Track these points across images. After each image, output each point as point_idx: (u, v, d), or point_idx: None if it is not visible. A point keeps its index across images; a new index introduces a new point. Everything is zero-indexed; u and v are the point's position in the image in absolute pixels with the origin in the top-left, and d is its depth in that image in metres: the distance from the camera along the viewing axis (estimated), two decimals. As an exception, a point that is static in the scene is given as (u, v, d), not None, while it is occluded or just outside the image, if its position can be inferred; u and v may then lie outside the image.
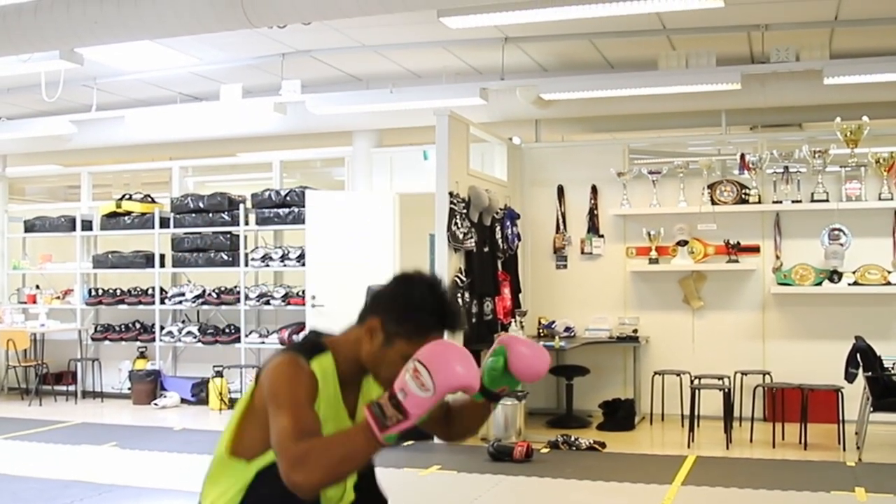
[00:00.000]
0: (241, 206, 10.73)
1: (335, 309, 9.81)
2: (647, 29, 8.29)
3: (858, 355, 7.57)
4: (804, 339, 9.13)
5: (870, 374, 7.49)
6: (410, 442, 7.01)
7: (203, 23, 6.41)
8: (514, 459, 7.29)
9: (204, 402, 10.58)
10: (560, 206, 9.92)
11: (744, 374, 8.96)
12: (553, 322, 9.43)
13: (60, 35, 6.69)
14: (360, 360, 2.49)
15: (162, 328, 11.07)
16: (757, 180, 9.15)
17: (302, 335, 2.58)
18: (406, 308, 2.43)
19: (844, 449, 7.67)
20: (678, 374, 9.11)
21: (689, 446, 7.99)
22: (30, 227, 11.99)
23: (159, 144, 11.44)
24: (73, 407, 10.76)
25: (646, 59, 8.98)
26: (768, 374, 8.92)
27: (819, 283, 8.91)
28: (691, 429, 8.14)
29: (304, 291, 10.18)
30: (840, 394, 7.79)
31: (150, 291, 11.21)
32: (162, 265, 11.18)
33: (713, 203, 9.25)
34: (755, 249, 9.28)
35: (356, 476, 2.54)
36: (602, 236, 9.77)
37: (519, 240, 9.42)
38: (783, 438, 8.07)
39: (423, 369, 2.20)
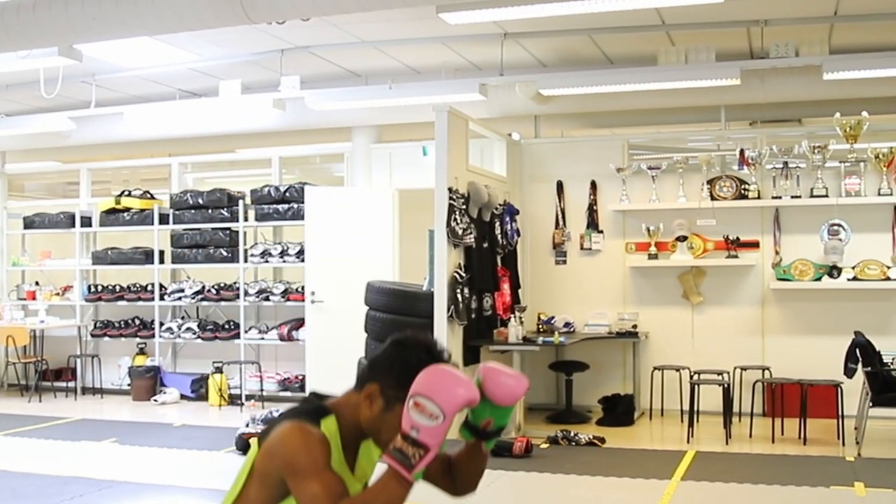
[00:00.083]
0: (241, 202, 10.73)
1: (334, 305, 9.83)
2: (647, 24, 8.28)
3: (858, 350, 7.57)
4: (803, 335, 9.13)
5: (869, 369, 7.50)
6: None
7: (201, 19, 6.40)
8: (513, 455, 7.29)
9: (203, 398, 10.59)
10: (559, 201, 9.92)
11: (743, 369, 8.96)
12: (552, 318, 9.43)
13: (59, 31, 6.68)
14: (360, 424, 2.51)
15: (161, 324, 11.08)
16: (756, 176, 9.15)
17: (301, 399, 2.59)
18: (404, 372, 2.42)
19: (844, 444, 7.68)
20: (678, 370, 9.11)
21: (688, 441, 8.00)
22: (29, 223, 11.98)
23: (158, 141, 11.44)
24: (73, 403, 10.77)
25: (645, 54, 8.97)
26: (768, 369, 8.92)
27: (818, 279, 8.92)
28: (691, 424, 8.15)
29: (303, 287, 10.18)
30: (839, 389, 7.79)
31: (149, 288, 11.21)
32: (161, 261, 11.18)
33: (712, 198, 9.25)
34: (754, 245, 9.28)
35: None
36: (601, 232, 9.77)
37: (518, 235, 9.41)
38: (782, 433, 8.08)
39: (424, 401, 2.25)
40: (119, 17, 6.39)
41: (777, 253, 9.15)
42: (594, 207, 9.80)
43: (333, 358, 9.60)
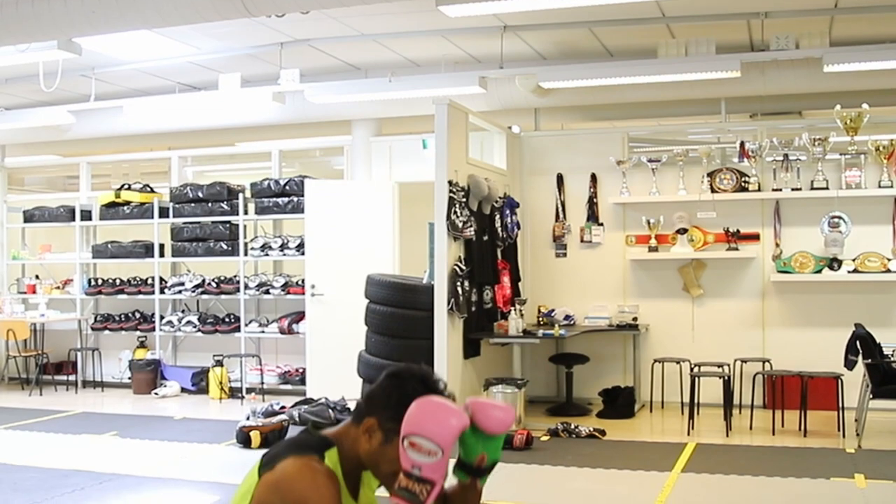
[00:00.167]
0: (241, 195, 10.73)
1: (334, 298, 9.83)
2: (647, 17, 8.27)
3: (858, 342, 7.58)
4: (804, 327, 9.14)
5: (869, 361, 7.50)
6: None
7: (201, 12, 6.40)
8: (514, 447, 7.30)
9: (204, 391, 10.60)
10: (559, 194, 9.91)
11: (743, 361, 8.97)
12: (553, 310, 9.43)
13: (58, 25, 6.67)
14: (359, 457, 2.52)
15: (162, 318, 11.08)
16: (756, 168, 9.14)
17: (300, 431, 2.59)
18: (401, 405, 2.43)
19: (844, 436, 7.69)
20: (678, 362, 9.11)
21: (688, 433, 8.00)
22: (29, 217, 11.99)
23: (158, 134, 11.43)
24: (74, 396, 10.78)
25: (645, 47, 8.96)
26: (768, 361, 8.93)
27: (819, 271, 8.91)
28: (691, 416, 8.15)
29: (303, 280, 10.19)
30: (840, 381, 7.80)
31: (149, 281, 11.22)
32: (161, 255, 11.18)
33: (713, 191, 9.24)
34: (755, 237, 9.28)
35: None
36: (601, 224, 9.76)
37: (518, 228, 9.41)
38: (783, 425, 8.09)
39: (419, 440, 2.28)
40: (118, 11, 6.39)
41: (777, 245, 9.15)
42: (594, 200, 9.80)
43: (334, 351, 9.63)
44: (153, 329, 11.15)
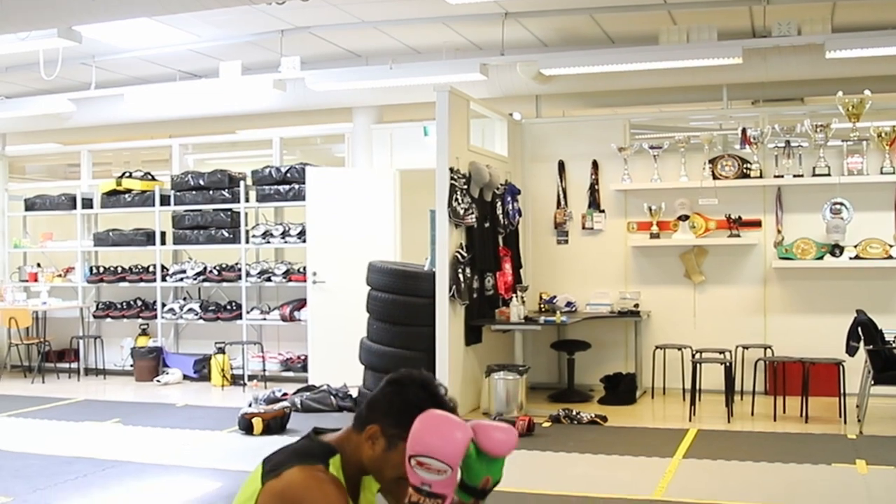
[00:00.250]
0: (242, 183, 10.72)
1: (336, 285, 9.84)
2: (648, 3, 8.26)
3: (860, 329, 7.58)
4: (805, 313, 9.14)
5: (871, 347, 7.50)
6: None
7: (201, 0, 6.38)
8: (515, 434, 7.29)
9: (206, 378, 10.61)
10: (561, 181, 9.90)
11: (745, 347, 8.98)
12: (554, 297, 9.43)
13: (58, 13, 6.66)
14: (361, 463, 2.52)
15: (163, 305, 11.09)
16: (758, 155, 9.13)
17: (302, 437, 2.59)
18: (403, 411, 2.44)
19: (845, 422, 7.69)
20: (679, 349, 9.12)
21: (690, 420, 8.01)
22: (30, 205, 11.99)
23: (159, 122, 11.42)
24: (76, 384, 10.80)
25: (646, 33, 8.94)
26: (769, 347, 8.94)
27: (820, 258, 8.91)
28: (692, 402, 8.16)
29: (305, 268, 10.19)
30: (841, 367, 7.80)
31: (151, 269, 11.23)
32: (163, 243, 11.18)
33: (714, 178, 9.23)
34: (756, 224, 9.27)
35: None
36: (603, 211, 9.76)
37: (520, 215, 9.41)
38: (784, 412, 8.09)
39: (427, 459, 2.28)
40: (118, -2, 6.37)
41: (779, 232, 9.14)
42: (596, 187, 9.79)
43: (335, 338, 9.64)
44: (155, 317, 11.16)
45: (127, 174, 11.44)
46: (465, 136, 8.46)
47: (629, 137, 9.67)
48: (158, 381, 10.65)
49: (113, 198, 11.43)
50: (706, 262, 9.43)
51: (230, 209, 10.79)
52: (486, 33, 9.08)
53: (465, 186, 8.27)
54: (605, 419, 7.98)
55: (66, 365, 11.47)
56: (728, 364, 8.25)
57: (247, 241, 10.66)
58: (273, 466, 2.47)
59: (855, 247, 8.85)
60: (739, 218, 9.21)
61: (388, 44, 9.52)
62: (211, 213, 10.86)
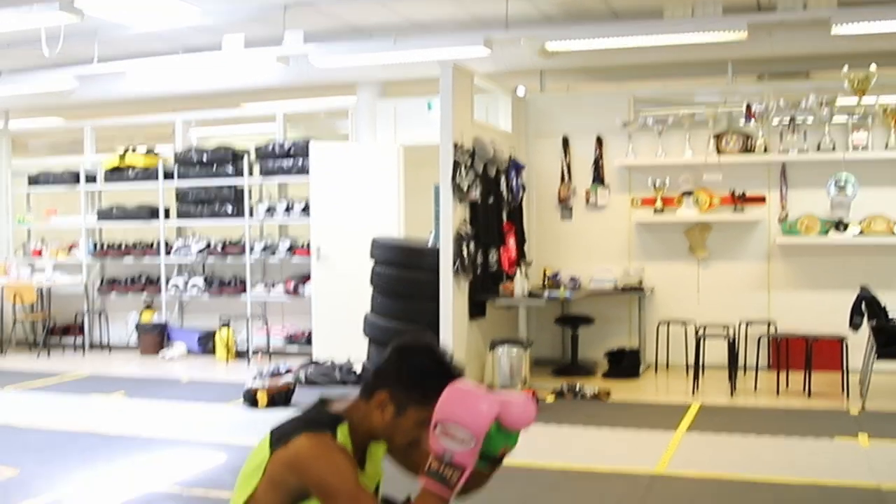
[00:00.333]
0: (245, 158, 10.72)
1: (340, 260, 9.85)
2: (653, -23, 8.21)
3: (863, 304, 7.58)
4: (809, 289, 9.14)
5: (874, 323, 7.51)
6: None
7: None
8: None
9: (210, 352, 10.65)
10: (565, 156, 9.89)
11: (748, 323, 8.99)
12: (558, 272, 9.43)
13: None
14: (370, 431, 2.56)
15: (168, 280, 11.12)
16: (763, 130, 9.11)
17: (310, 405, 2.61)
18: (411, 377, 2.50)
19: (848, 397, 7.71)
20: (683, 324, 9.14)
21: (693, 394, 8.03)
22: (33, 181, 12.00)
23: (162, 98, 11.39)
24: (81, 359, 10.84)
25: (651, 8, 8.88)
26: (773, 323, 8.95)
27: (825, 234, 8.91)
28: (696, 377, 8.18)
29: (308, 243, 10.20)
30: (844, 343, 7.81)
31: (154, 244, 11.24)
32: (167, 218, 11.19)
33: (719, 153, 9.22)
34: (761, 200, 9.26)
35: None
36: (607, 187, 9.75)
37: (524, 191, 9.40)
38: (787, 387, 8.11)
39: (454, 428, 2.32)
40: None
41: (783, 208, 9.14)
42: (600, 162, 9.77)
43: (339, 313, 9.66)
44: (159, 292, 11.19)
45: (131, 149, 11.43)
46: (469, 111, 8.44)
47: (634, 113, 9.64)
48: (163, 355, 10.69)
49: (116, 173, 11.44)
50: (710, 237, 9.43)
51: (234, 184, 10.79)
52: (491, 8, 9.02)
53: (469, 162, 8.26)
54: (608, 394, 8.00)
55: (71, 340, 11.51)
56: (731, 339, 8.26)
57: (251, 216, 10.67)
58: (281, 435, 2.49)
59: (859, 223, 8.84)
60: (744, 194, 9.21)
61: (391, 19, 9.47)
62: (214, 189, 10.86)
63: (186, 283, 11.00)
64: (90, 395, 8.35)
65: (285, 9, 9.01)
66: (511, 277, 8.69)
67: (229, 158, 10.79)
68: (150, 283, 11.32)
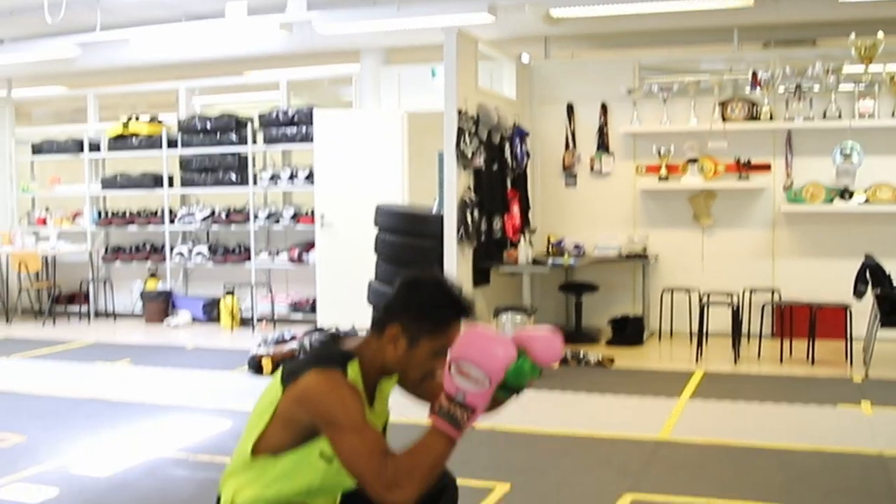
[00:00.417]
0: (249, 125, 10.69)
1: (344, 227, 9.84)
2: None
3: (867, 272, 7.57)
4: (814, 257, 9.13)
5: (878, 291, 7.50)
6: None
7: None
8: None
9: (215, 320, 10.68)
10: (569, 123, 9.85)
11: (752, 291, 8.99)
12: (562, 240, 9.43)
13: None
14: (383, 366, 2.58)
15: (172, 249, 11.12)
16: (769, 98, 9.06)
17: (321, 342, 2.64)
18: (421, 309, 2.52)
19: (851, 365, 7.72)
20: (687, 291, 9.14)
21: (697, 362, 8.05)
22: (37, 149, 11.98)
23: (165, 65, 11.36)
24: (86, 327, 10.87)
25: (657, -27, 8.82)
26: (777, 291, 8.95)
27: (830, 202, 8.89)
28: (699, 345, 8.19)
29: (313, 210, 10.19)
30: (848, 311, 7.81)
31: (159, 212, 11.24)
32: (171, 186, 11.19)
33: (724, 121, 9.18)
34: (766, 167, 9.23)
35: None
36: (612, 154, 9.72)
37: (528, 158, 9.37)
38: (791, 355, 8.12)
39: (469, 367, 2.33)
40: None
41: (788, 176, 9.11)
42: (604, 129, 9.74)
43: (343, 280, 9.67)
44: (164, 260, 11.21)
45: (134, 117, 11.40)
46: (473, 78, 8.40)
47: (639, 80, 9.59)
48: (168, 323, 10.73)
49: (120, 142, 11.42)
50: (715, 205, 9.41)
51: (237, 152, 10.77)
52: (495, -26, 8.97)
53: (474, 129, 8.23)
54: (612, 361, 8.02)
55: (76, 308, 11.54)
56: (735, 307, 8.26)
57: (255, 184, 10.66)
58: (291, 372, 2.53)
59: (864, 191, 8.82)
60: (749, 161, 9.18)
61: (395, -15, 9.41)
62: (218, 156, 10.84)
63: (191, 251, 11.01)
64: (95, 363, 8.39)
65: (288, -26, 8.96)
66: (515, 245, 8.69)
67: (233, 126, 10.77)
68: (155, 252, 11.33)
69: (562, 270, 9.16)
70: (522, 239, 8.61)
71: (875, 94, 8.81)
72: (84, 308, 11.47)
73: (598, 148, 9.74)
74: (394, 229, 8.55)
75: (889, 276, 7.66)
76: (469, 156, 8.06)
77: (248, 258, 10.74)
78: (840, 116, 8.86)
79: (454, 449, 2.38)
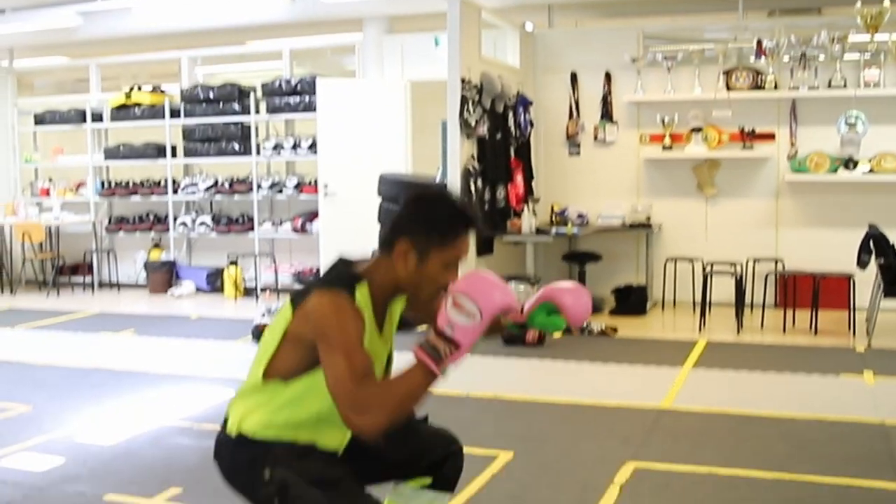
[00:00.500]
0: (252, 95, 10.66)
1: (347, 197, 9.83)
2: None
3: (871, 242, 7.56)
4: (817, 227, 9.12)
5: (882, 261, 7.49)
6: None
7: None
8: (526, 343, 7.36)
9: (219, 290, 10.70)
10: (573, 92, 9.81)
11: (756, 260, 8.99)
12: (566, 209, 9.41)
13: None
14: (394, 285, 2.58)
15: (175, 219, 11.12)
16: (773, 67, 9.01)
17: (330, 265, 2.63)
18: (429, 221, 2.52)
19: (854, 335, 7.73)
20: (690, 261, 9.13)
21: (700, 331, 8.06)
22: (40, 120, 11.96)
23: (167, 35, 11.30)
24: (90, 297, 10.90)
25: (662, -60, 8.76)
26: (780, 261, 8.95)
27: (834, 171, 8.86)
28: (703, 314, 8.20)
29: (316, 180, 10.18)
30: (851, 281, 7.81)
31: (162, 183, 11.23)
32: (174, 156, 11.17)
33: (728, 90, 9.13)
34: (770, 137, 9.19)
35: None
36: (615, 123, 9.68)
37: (531, 126, 9.35)
38: (794, 325, 8.13)
39: (464, 299, 2.34)
40: None
41: (793, 145, 9.08)
42: (608, 98, 9.70)
43: (347, 249, 9.64)
44: (167, 230, 11.21)
45: (136, 87, 11.37)
46: (476, 46, 8.36)
47: (643, 49, 9.53)
48: (172, 293, 10.75)
49: (123, 112, 11.38)
50: (719, 174, 9.39)
51: (240, 122, 10.74)
52: (499, -59, 8.90)
53: (477, 97, 8.21)
54: (615, 330, 8.04)
55: (80, 279, 11.56)
56: (739, 277, 8.27)
57: (258, 154, 10.64)
58: (300, 293, 2.56)
59: (869, 161, 8.78)
60: (753, 131, 9.14)
61: (398, -48, 9.35)
62: (221, 126, 10.81)
63: (194, 221, 11.00)
64: (100, 333, 8.41)
65: (290, -57, 8.90)
66: (519, 214, 8.68)
67: (236, 96, 10.73)
68: (158, 222, 11.33)
69: (565, 240, 9.16)
70: (526, 208, 8.61)
71: (881, 63, 8.75)
72: (88, 278, 11.49)
73: (602, 117, 9.70)
74: (397, 199, 8.53)
75: (893, 245, 7.64)
76: (472, 125, 8.04)
77: (252, 228, 10.74)
78: (845, 85, 8.82)
79: (433, 384, 2.35)
